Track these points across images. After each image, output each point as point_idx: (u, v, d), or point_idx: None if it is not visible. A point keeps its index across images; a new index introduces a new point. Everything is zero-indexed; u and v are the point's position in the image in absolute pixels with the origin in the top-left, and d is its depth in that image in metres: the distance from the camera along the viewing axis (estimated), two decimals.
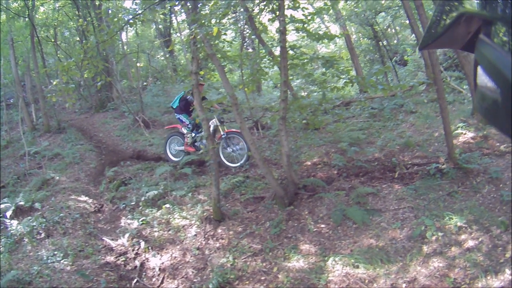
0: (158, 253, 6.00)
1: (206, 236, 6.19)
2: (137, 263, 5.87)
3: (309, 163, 8.15)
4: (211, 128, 8.51)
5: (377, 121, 10.25)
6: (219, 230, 6.25)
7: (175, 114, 9.64)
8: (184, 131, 9.42)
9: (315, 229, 5.87)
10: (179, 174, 8.25)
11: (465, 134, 7.99)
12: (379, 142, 8.36)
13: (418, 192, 6.40)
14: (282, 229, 5.94)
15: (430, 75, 8.86)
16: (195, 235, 6.25)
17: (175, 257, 5.89)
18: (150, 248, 6.12)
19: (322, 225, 5.96)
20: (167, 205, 6.97)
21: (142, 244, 6.17)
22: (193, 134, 9.28)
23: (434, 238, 5.30)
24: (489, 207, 5.83)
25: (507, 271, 4.59)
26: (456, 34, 1.07)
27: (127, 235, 6.38)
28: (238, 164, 8.53)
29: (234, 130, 8.90)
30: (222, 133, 8.70)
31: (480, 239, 5.17)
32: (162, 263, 5.81)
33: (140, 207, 7.23)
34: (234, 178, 7.53)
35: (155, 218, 6.78)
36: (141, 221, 6.74)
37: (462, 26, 1.02)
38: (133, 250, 6.12)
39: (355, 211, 5.94)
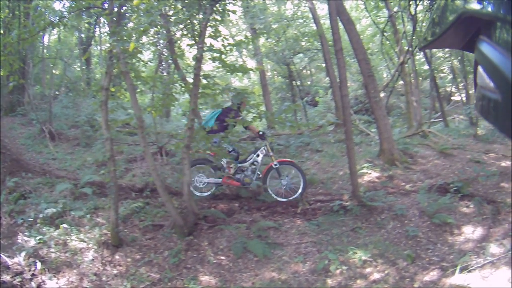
0: (55, 276, 5.54)
1: (103, 261, 5.83)
2: (33, 285, 5.38)
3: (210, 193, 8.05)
4: (260, 158, 7.90)
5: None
6: (117, 256, 5.91)
7: (210, 137, 7.98)
8: (224, 161, 7.92)
9: (215, 261, 5.74)
10: (79, 193, 7.72)
11: (370, 173, 8.30)
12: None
13: (321, 227, 6.52)
14: (181, 259, 5.73)
15: (340, 117, 9.16)
16: (93, 259, 5.87)
17: (72, 281, 5.47)
18: (46, 269, 5.65)
19: (222, 257, 5.85)
20: (65, 225, 6.51)
21: (39, 265, 5.67)
22: (237, 164, 7.93)
23: (338, 271, 5.38)
24: (394, 241, 6.06)
25: None
26: (456, 34, 1.09)
27: (23, 253, 5.81)
28: (291, 198, 7.62)
29: (287, 160, 8.12)
30: (274, 163, 7.68)
31: (386, 272, 5.34)
32: (59, 287, 5.38)
33: (38, 224, 6.66)
34: (134, 203, 7.14)
35: (53, 238, 6.29)
36: (38, 239, 6.21)
37: (462, 26, 1.03)
38: (29, 271, 5.60)
39: (256, 244, 5.90)
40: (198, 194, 7.92)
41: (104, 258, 5.88)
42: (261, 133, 7.86)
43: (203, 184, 7.99)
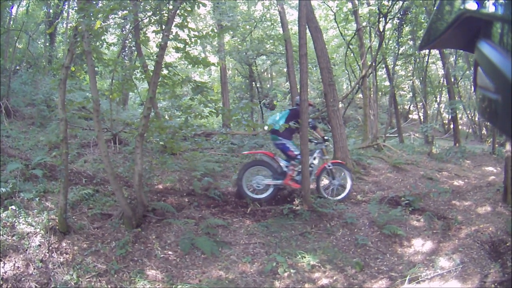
0: (1, 260, 5.31)
1: (50, 248, 5.63)
2: None
3: (160, 186, 7.98)
4: (317, 161, 8.02)
5: (235, 157, 10.44)
6: (64, 244, 5.73)
7: (276, 138, 7.86)
8: (283, 163, 7.88)
9: (162, 255, 5.68)
10: (30, 175, 7.41)
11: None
12: (234, 177, 8.30)
13: (270, 229, 6.58)
14: (128, 251, 5.63)
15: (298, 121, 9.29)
16: (39, 245, 5.65)
17: (18, 267, 5.23)
18: None
19: (170, 252, 5.79)
20: (13, 207, 6.26)
21: None
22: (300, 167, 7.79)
23: (286, 274, 5.42)
24: (343, 248, 6.19)
25: None
26: (456, 34, 1.08)
27: None
28: (339, 197, 8.04)
29: (339, 161, 8.40)
30: (328, 164, 8.08)
31: (334, 278, 5.42)
32: (5, 272, 5.11)
33: None
34: (84, 190, 6.94)
35: (0, 219, 6.07)
36: None
37: (462, 26, 1.02)
38: None
39: (204, 241, 5.88)
40: (255, 196, 7.74)
41: (51, 245, 5.70)
42: (326, 138, 8.33)
43: (261, 186, 7.86)
